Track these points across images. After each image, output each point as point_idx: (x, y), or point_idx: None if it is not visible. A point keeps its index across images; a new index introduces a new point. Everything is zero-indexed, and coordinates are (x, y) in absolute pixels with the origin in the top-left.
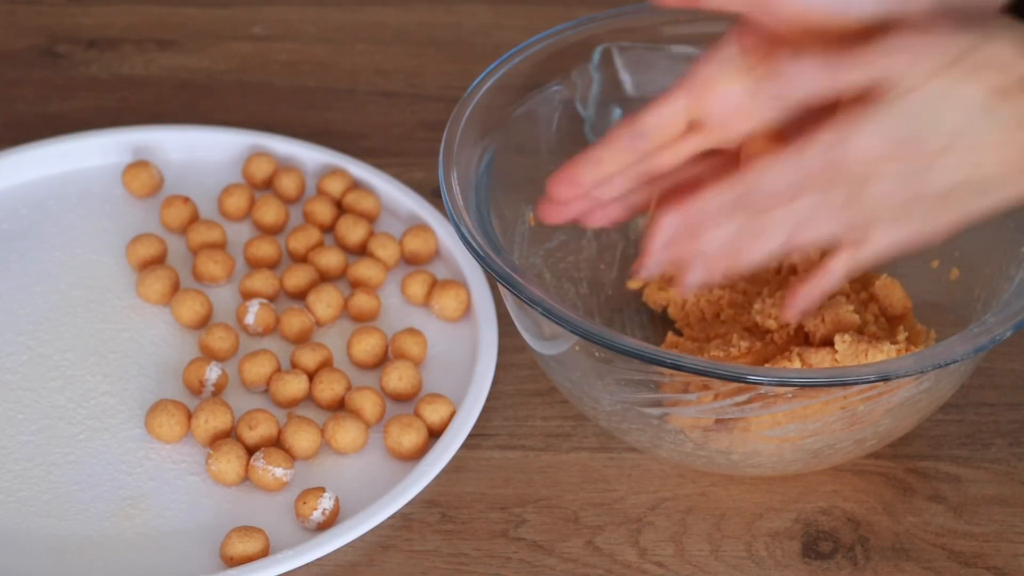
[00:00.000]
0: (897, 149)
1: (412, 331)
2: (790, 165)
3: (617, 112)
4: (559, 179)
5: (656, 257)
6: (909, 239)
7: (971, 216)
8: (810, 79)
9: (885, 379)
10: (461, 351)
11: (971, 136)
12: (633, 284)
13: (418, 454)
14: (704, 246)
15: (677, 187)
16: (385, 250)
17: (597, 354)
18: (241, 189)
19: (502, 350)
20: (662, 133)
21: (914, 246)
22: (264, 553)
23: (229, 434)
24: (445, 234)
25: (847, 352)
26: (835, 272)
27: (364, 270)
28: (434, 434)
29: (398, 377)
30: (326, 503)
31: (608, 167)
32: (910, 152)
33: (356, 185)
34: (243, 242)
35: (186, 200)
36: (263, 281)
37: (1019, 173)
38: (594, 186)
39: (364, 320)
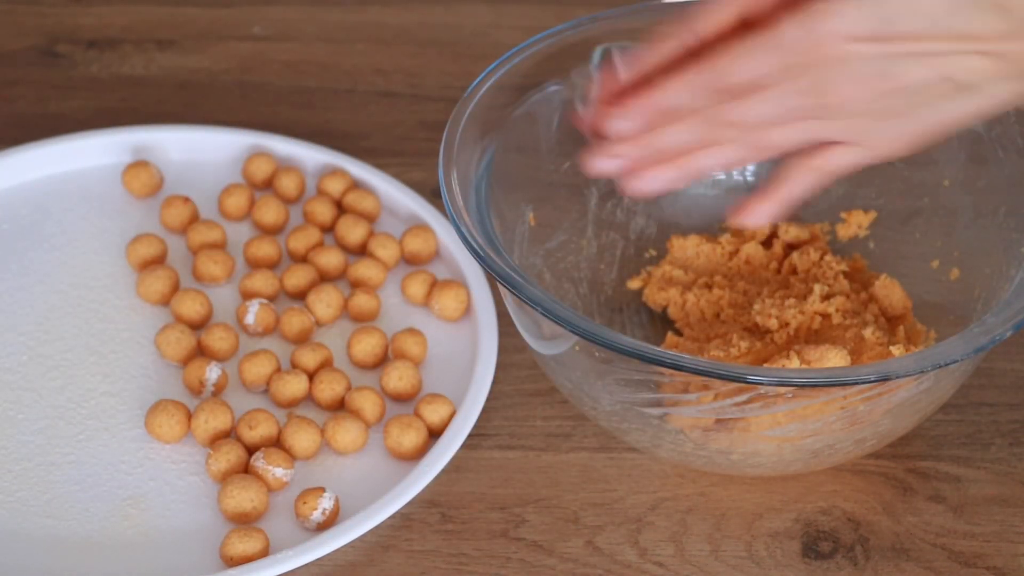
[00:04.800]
0: (875, 30)
1: (412, 331)
2: (761, 49)
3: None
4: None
5: (613, 150)
6: (888, 143)
7: (954, 120)
8: None
9: (885, 379)
10: (461, 351)
11: (953, 24)
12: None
13: (418, 454)
14: (663, 142)
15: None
16: (385, 250)
17: (597, 354)
18: (241, 189)
19: (502, 350)
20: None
21: (890, 154)
22: (264, 553)
23: (229, 434)
24: (445, 234)
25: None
26: (828, 166)
27: (364, 270)
28: (434, 434)
29: (398, 377)
30: (326, 503)
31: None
32: (886, 35)
33: (356, 185)
34: (243, 242)
35: (186, 200)
36: (263, 281)
37: (1004, 75)
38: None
39: (364, 320)
